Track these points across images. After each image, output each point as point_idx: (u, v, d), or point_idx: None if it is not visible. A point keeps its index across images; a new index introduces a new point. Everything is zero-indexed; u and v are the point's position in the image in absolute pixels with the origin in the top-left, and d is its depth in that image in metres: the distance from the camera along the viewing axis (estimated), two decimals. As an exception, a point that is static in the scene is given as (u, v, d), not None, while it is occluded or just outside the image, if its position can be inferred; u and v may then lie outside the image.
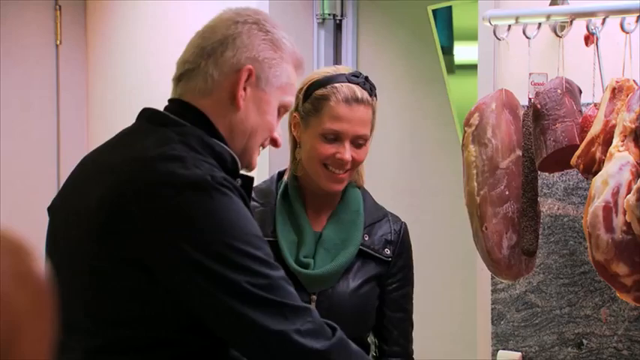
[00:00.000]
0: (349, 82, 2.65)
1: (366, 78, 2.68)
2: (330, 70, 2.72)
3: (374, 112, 2.68)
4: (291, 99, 2.15)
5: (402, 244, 2.75)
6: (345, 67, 2.76)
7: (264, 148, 2.15)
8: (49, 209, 2.15)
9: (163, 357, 1.96)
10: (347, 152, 2.62)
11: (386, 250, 2.71)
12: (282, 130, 2.18)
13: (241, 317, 1.90)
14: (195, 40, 2.11)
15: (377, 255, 2.70)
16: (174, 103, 2.10)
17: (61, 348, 1.90)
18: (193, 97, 2.07)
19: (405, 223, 2.79)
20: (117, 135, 2.14)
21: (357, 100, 2.63)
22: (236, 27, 2.08)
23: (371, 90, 2.67)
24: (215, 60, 2.06)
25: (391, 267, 2.72)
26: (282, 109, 2.14)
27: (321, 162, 2.64)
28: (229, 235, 1.90)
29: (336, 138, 2.63)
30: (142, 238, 1.91)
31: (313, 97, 2.65)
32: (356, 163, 2.66)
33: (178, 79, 2.11)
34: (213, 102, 2.06)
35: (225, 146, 2.05)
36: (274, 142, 2.15)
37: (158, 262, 1.91)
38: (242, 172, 2.11)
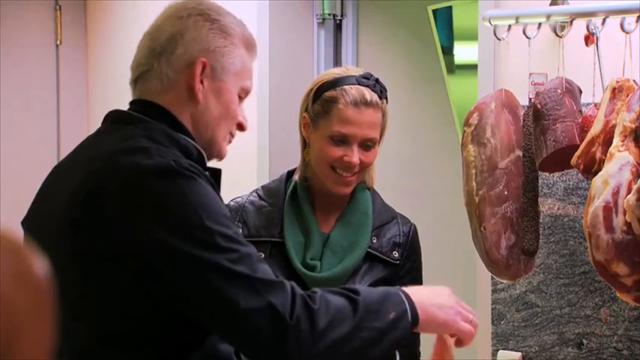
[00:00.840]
0: (359, 84, 2.63)
1: (377, 80, 2.66)
2: (340, 71, 2.70)
3: (384, 115, 2.65)
4: (249, 82, 2.14)
5: (410, 246, 2.74)
6: (356, 69, 2.73)
7: (233, 135, 2.15)
8: (23, 222, 2.15)
9: (155, 352, 1.96)
10: (355, 155, 2.61)
11: (394, 252, 2.70)
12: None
13: (217, 294, 1.89)
14: (144, 41, 2.10)
15: (385, 258, 2.68)
16: (136, 104, 2.10)
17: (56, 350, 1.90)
18: (153, 96, 2.07)
19: (414, 225, 2.77)
20: (83, 141, 2.15)
21: (366, 103, 2.61)
22: (181, 22, 2.07)
23: (381, 92, 2.65)
24: (167, 59, 2.06)
25: (399, 270, 2.70)
26: (242, 94, 2.13)
27: (329, 164, 2.64)
28: (199, 217, 1.90)
29: (344, 141, 2.62)
30: (114, 232, 1.91)
31: (322, 98, 2.64)
32: (364, 166, 2.65)
33: (135, 83, 2.11)
34: (172, 99, 2.06)
35: (190, 140, 2.05)
36: (240, 127, 2.15)
37: (133, 253, 1.90)
38: (209, 165, 2.11)
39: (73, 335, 1.97)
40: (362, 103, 2.61)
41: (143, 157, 1.93)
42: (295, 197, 2.70)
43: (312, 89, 2.67)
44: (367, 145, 2.63)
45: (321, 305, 1.93)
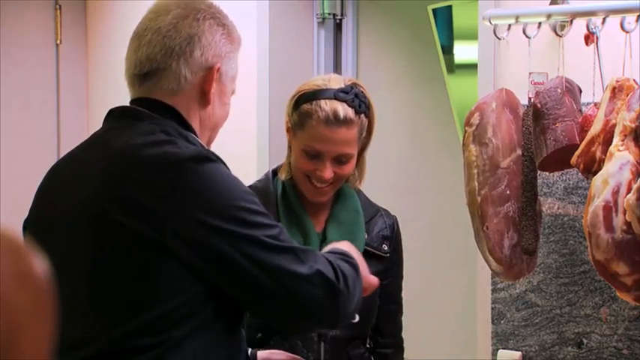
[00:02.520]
0: (336, 98, 2.61)
1: (357, 94, 2.63)
2: (321, 83, 2.67)
3: (362, 129, 2.64)
4: (235, 85, 2.21)
5: (395, 238, 2.79)
6: (339, 80, 2.69)
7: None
8: (25, 224, 2.16)
9: (184, 331, 1.98)
10: (326, 170, 2.62)
11: (383, 246, 2.75)
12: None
13: (269, 267, 1.98)
14: (157, 37, 2.11)
15: (377, 252, 2.72)
16: (144, 101, 2.11)
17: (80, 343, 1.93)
18: (163, 95, 2.10)
19: (396, 217, 2.82)
20: (89, 138, 2.16)
21: (339, 121, 2.59)
22: (198, 24, 2.11)
23: (359, 106, 2.62)
24: (185, 60, 2.09)
25: (387, 262, 2.74)
26: (231, 95, 2.20)
27: (304, 174, 2.66)
28: (235, 197, 1.99)
29: (317, 156, 2.63)
30: (152, 218, 1.94)
31: (299, 110, 2.64)
32: (340, 178, 2.66)
33: (142, 77, 2.11)
34: (183, 99, 2.10)
35: (198, 139, 2.10)
36: None
37: (174, 238, 1.93)
38: None
39: (96, 325, 1.99)
40: (334, 122, 2.59)
41: (172, 147, 2.01)
42: (286, 198, 2.72)
43: (293, 97, 2.67)
44: (341, 160, 2.64)
45: (345, 270, 2.07)
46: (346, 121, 2.60)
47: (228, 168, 2.05)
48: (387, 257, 2.74)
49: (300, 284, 2.00)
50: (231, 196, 1.99)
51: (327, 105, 2.60)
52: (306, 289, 2.00)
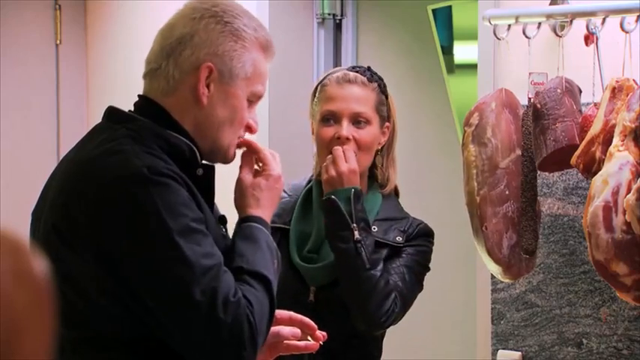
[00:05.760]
0: (348, 70, 2.74)
1: (369, 68, 2.74)
2: (338, 68, 2.83)
3: (379, 97, 2.71)
4: (260, 87, 2.13)
5: (416, 234, 2.73)
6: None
7: (241, 137, 2.14)
8: (32, 213, 2.18)
9: (141, 351, 1.98)
10: (344, 129, 2.67)
11: (397, 237, 2.70)
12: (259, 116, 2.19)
13: (173, 303, 1.94)
14: (158, 38, 2.11)
15: (387, 242, 2.68)
16: (140, 99, 2.12)
17: None
18: (157, 95, 2.08)
19: (428, 225, 2.77)
20: (87, 133, 2.17)
21: (349, 81, 2.70)
22: (193, 23, 2.06)
23: (371, 76, 2.71)
24: (175, 60, 2.06)
25: (401, 251, 2.70)
26: (252, 98, 2.12)
27: (327, 148, 2.68)
28: (167, 227, 1.92)
29: (334, 119, 2.69)
30: (88, 236, 1.95)
31: (317, 90, 2.74)
32: (360, 145, 2.68)
33: (145, 77, 2.12)
34: (176, 100, 2.06)
35: (182, 138, 2.05)
36: (249, 129, 2.14)
37: (104, 259, 1.94)
38: (204, 162, 2.11)
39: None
40: (345, 81, 2.70)
41: (117, 159, 1.96)
42: (310, 192, 2.76)
43: (313, 90, 2.78)
44: (358, 120, 2.68)
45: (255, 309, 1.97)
46: (357, 81, 2.70)
47: (186, 183, 1.98)
48: (401, 247, 2.70)
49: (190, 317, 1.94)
50: (160, 224, 1.92)
51: (339, 72, 2.73)
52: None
